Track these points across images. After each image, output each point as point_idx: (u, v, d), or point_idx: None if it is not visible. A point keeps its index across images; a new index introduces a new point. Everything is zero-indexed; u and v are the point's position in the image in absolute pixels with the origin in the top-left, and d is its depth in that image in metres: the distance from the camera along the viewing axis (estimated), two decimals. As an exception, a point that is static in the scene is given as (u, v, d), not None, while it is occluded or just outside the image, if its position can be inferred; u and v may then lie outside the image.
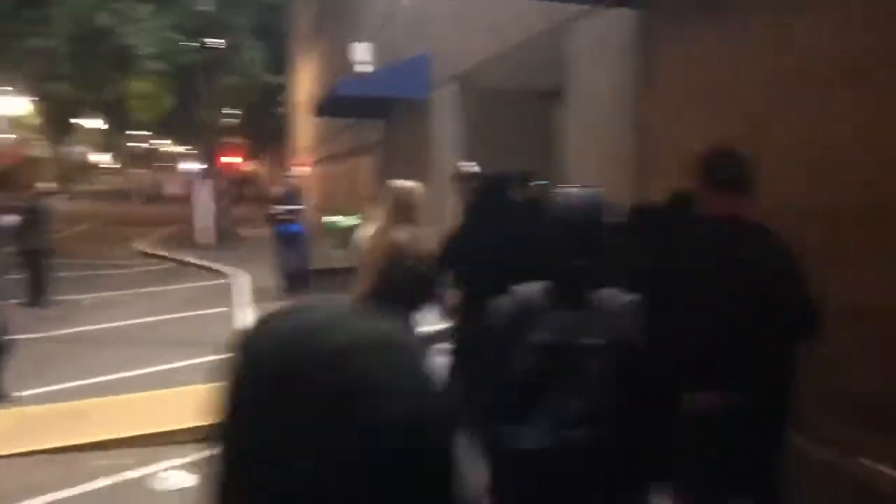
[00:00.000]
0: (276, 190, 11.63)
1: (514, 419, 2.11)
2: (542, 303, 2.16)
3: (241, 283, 12.12)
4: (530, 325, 2.11)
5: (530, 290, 2.21)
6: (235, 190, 28.18)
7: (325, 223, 8.24)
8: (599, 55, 5.92)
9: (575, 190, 2.31)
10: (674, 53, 5.01)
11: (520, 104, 9.63)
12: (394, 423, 0.61)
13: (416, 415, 0.63)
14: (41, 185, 12.08)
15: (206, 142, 19.91)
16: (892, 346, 3.34)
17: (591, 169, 6.05)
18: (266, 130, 40.06)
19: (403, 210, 4.26)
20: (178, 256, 15.93)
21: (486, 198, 4.35)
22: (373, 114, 14.01)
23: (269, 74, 20.46)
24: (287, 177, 12.14)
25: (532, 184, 4.97)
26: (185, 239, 18.28)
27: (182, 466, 5.01)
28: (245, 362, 0.66)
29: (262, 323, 0.69)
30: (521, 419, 2.10)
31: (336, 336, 0.64)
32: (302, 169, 12.57)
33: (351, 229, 7.26)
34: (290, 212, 11.02)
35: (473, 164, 5.73)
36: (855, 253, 3.53)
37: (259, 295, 10.96)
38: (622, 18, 5.57)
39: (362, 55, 14.65)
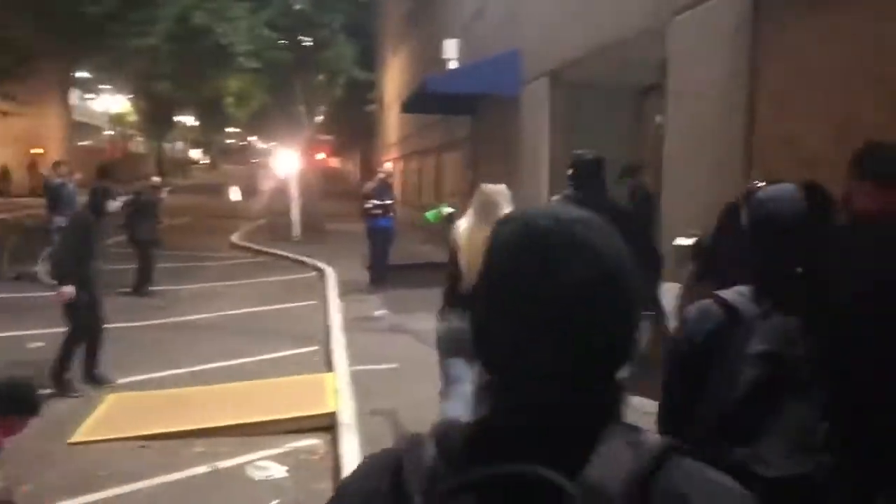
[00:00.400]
0: (369, 185, 11.73)
1: (743, 440, 1.84)
2: (753, 309, 1.92)
3: (330, 276, 12.31)
4: (744, 334, 1.88)
5: (738, 294, 1.98)
6: (324, 185, 28.77)
7: (428, 216, 8.45)
8: (704, 48, 5.69)
9: (776, 189, 2.07)
10: (785, 42, 4.76)
11: (614, 100, 9.42)
12: (606, 269, 0.88)
13: (619, 264, 0.89)
14: (155, 179, 12.57)
15: (298, 138, 20.33)
16: None
17: (693, 164, 5.82)
18: (355, 127, 40.77)
19: (489, 210, 4.43)
20: (270, 249, 16.30)
21: (577, 180, 4.38)
22: (460, 110, 14.00)
23: (359, 71, 20.69)
24: (379, 172, 12.23)
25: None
26: (276, 232, 18.71)
27: (275, 457, 5.09)
28: (499, 240, 0.93)
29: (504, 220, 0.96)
30: (751, 440, 1.84)
31: (560, 215, 0.91)
32: (386, 165, 12.63)
33: (447, 217, 7.48)
34: (381, 206, 11.10)
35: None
36: None
37: (347, 287, 11.11)
38: (729, 8, 5.34)
39: (451, 52, 14.67)
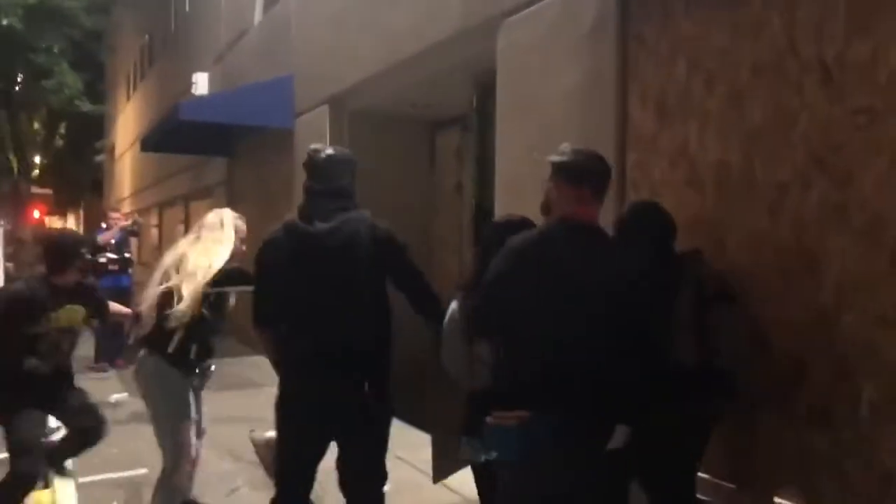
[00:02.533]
0: (106, 234, 9.46)
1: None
2: None
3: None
4: None
5: None
6: (40, 246, 24.74)
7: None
8: (552, 51, 4.67)
9: None
10: (668, 38, 3.84)
11: (407, 132, 8.30)
12: None
13: None
14: None
15: (6, 191, 16.90)
16: None
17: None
18: (79, 181, 36.27)
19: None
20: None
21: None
22: (214, 149, 12.12)
23: (89, 104, 17.76)
24: (117, 219, 9.93)
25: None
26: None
27: None
28: None
29: None
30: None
31: None
32: (115, 215, 10.13)
33: None
34: (120, 260, 9.00)
35: None
36: None
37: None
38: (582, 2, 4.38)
39: (202, 87, 12.85)
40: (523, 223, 3.07)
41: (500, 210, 5.24)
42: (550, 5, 4.68)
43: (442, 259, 8.09)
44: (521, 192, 4.97)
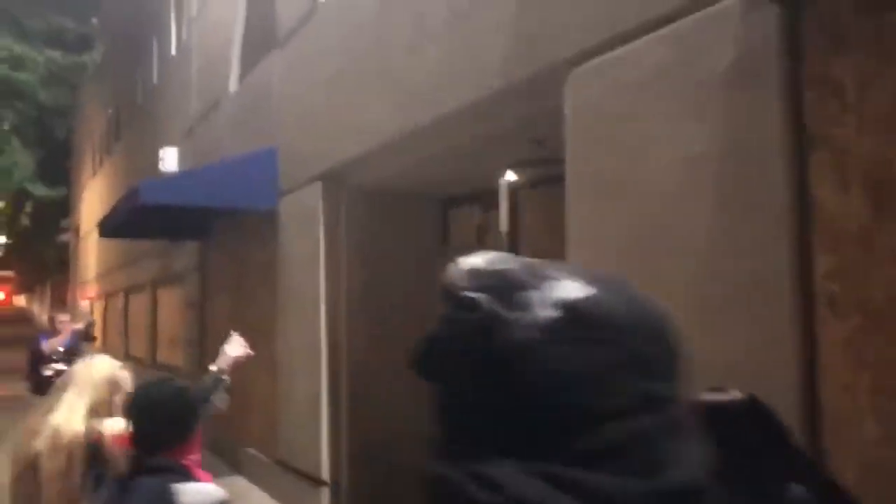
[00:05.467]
0: (56, 341, 7.86)
1: None
2: None
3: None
4: None
5: None
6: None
7: None
8: (659, 107, 3.30)
9: None
10: (890, 78, 2.49)
11: (416, 211, 6.93)
12: None
13: None
14: None
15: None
16: None
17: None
18: (44, 261, 34.47)
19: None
20: None
21: None
22: (183, 233, 10.64)
23: (43, 187, 16.28)
24: (64, 323, 8.31)
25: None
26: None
27: None
28: None
29: None
30: None
31: None
32: (62, 318, 8.38)
33: None
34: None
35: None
36: None
37: None
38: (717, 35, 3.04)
39: (171, 163, 11.51)
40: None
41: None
42: (650, 45, 3.33)
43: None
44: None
